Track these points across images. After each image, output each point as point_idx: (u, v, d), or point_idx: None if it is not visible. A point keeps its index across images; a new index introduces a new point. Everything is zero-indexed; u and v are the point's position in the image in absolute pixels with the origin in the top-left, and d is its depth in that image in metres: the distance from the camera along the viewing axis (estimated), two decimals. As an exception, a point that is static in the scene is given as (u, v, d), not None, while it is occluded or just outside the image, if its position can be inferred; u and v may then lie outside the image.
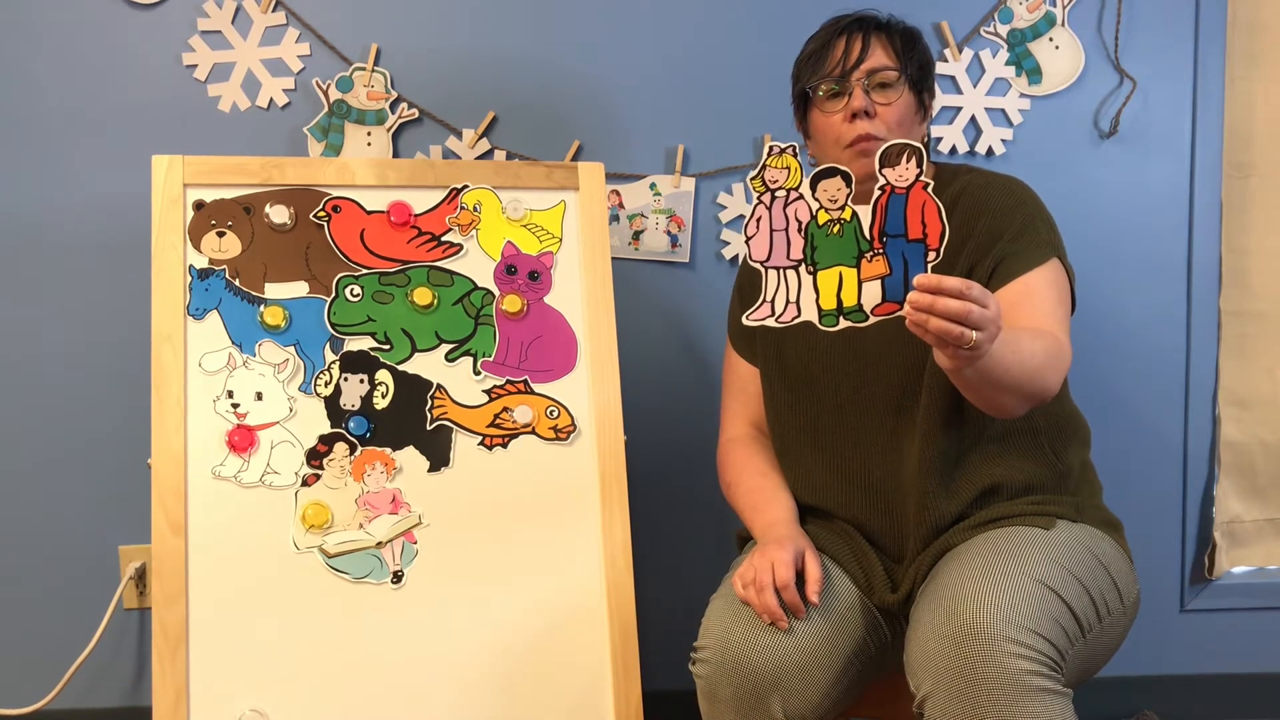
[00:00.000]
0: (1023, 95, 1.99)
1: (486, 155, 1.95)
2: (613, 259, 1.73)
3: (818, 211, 1.14)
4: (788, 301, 1.15)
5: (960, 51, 1.97)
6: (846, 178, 1.14)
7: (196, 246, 1.59)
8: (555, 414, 1.62)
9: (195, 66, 1.91)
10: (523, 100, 1.95)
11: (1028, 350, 1.24)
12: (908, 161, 1.12)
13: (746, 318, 1.20)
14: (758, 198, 1.17)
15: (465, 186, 1.67)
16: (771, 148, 1.18)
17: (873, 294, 1.11)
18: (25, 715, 1.94)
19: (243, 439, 1.55)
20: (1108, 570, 1.33)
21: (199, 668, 1.48)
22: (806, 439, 1.49)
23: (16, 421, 1.95)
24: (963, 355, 1.11)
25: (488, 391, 1.62)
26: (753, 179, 1.18)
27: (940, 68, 1.96)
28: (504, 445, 1.60)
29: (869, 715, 1.53)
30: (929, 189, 1.12)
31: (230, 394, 1.55)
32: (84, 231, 1.92)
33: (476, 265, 1.65)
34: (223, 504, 1.52)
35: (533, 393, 1.63)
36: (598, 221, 1.69)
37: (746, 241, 1.18)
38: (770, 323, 1.18)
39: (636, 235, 1.98)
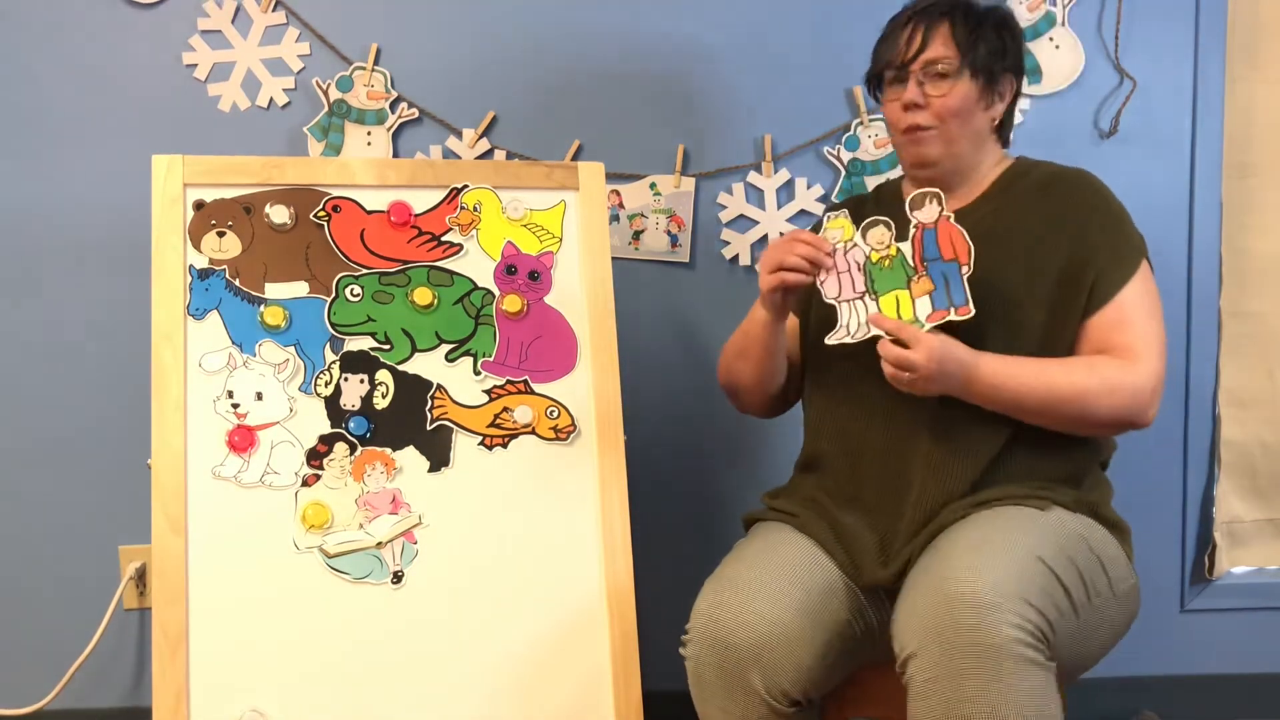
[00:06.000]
0: (1023, 95, 1.99)
1: (486, 155, 1.95)
2: (613, 259, 1.73)
3: (870, 253, 1.42)
4: (859, 323, 1.41)
5: (960, 51, 1.97)
6: (888, 225, 1.41)
7: (196, 246, 1.59)
8: (555, 414, 1.62)
9: (195, 66, 1.91)
10: (523, 100, 1.95)
11: (1049, 381, 1.37)
12: (930, 203, 1.39)
13: (827, 340, 1.43)
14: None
15: (465, 186, 1.67)
16: (826, 215, 1.46)
17: (924, 306, 1.38)
18: (25, 715, 1.94)
19: (243, 439, 1.55)
20: (1098, 556, 1.36)
21: (199, 668, 1.48)
22: (838, 375, 1.52)
23: (17, 421, 1.95)
24: (911, 384, 1.35)
25: (488, 391, 1.62)
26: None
27: (940, 68, 1.96)
28: (504, 445, 1.60)
29: (869, 715, 1.53)
30: (951, 219, 1.38)
31: (230, 394, 1.55)
32: (84, 231, 1.92)
33: (476, 265, 1.65)
34: (223, 504, 1.52)
35: (533, 393, 1.63)
36: (598, 221, 1.69)
37: (820, 285, 1.44)
38: (848, 340, 1.42)
39: (636, 235, 1.98)
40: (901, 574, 1.38)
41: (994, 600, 1.19)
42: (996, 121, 1.51)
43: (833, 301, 1.44)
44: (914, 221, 1.40)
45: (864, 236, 1.42)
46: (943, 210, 1.39)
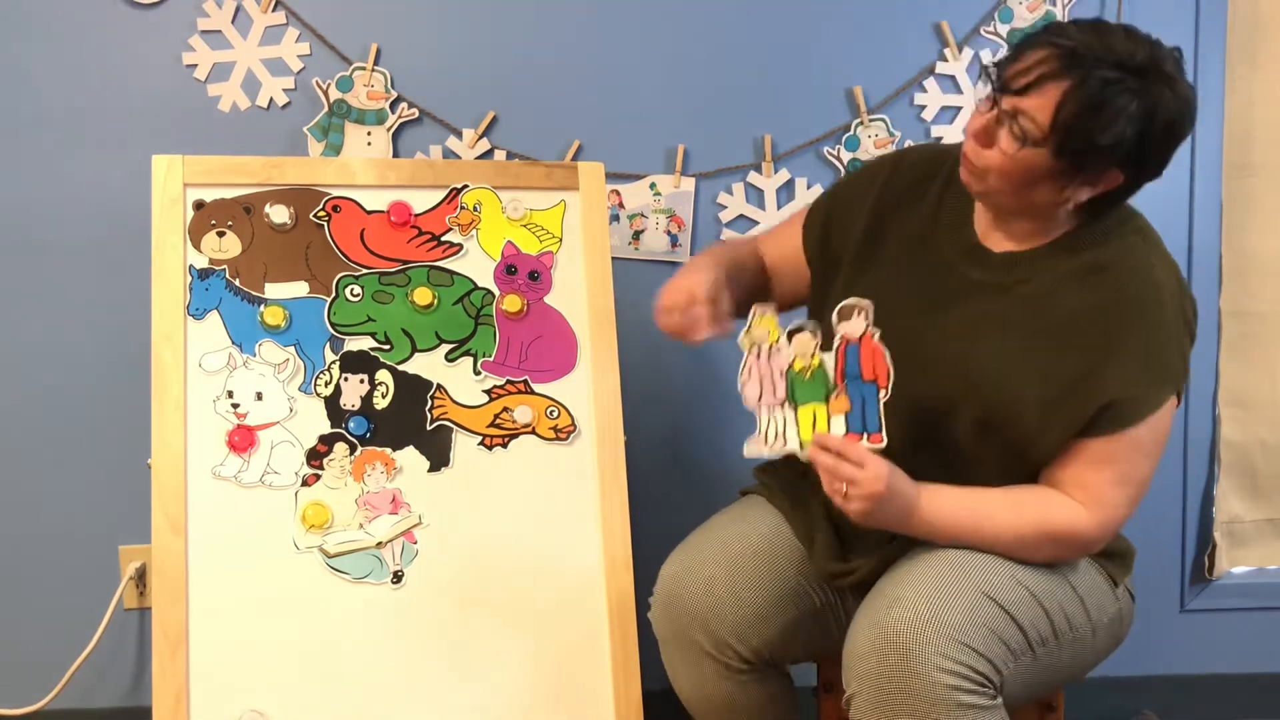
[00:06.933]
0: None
1: (486, 155, 1.95)
2: (613, 259, 1.73)
3: (793, 360, 1.32)
4: (777, 434, 1.32)
5: (960, 51, 1.97)
6: (814, 332, 1.31)
7: (196, 246, 1.59)
8: (555, 414, 1.62)
9: (195, 66, 1.91)
10: (523, 100, 1.95)
11: (993, 528, 1.28)
12: (858, 316, 1.28)
13: (746, 448, 1.33)
14: (747, 351, 1.33)
15: (465, 186, 1.67)
16: (754, 310, 1.34)
17: (839, 425, 1.29)
18: (25, 715, 1.94)
19: (243, 439, 1.55)
20: (1074, 589, 1.32)
21: (199, 668, 1.48)
22: None
23: (16, 421, 1.95)
24: (849, 506, 1.24)
25: (488, 391, 1.62)
26: (742, 338, 1.34)
27: (940, 67, 1.96)
28: (504, 445, 1.61)
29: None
30: (876, 337, 1.27)
31: (230, 394, 1.55)
32: (84, 231, 1.92)
33: (476, 265, 1.65)
34: (223, 504, 1.53)
35: (533, 393, 1.63)
36: (598, 221, 1.69)
37: (741, 388, 1.33)
38: (765, 453, 1.33)
39: (636, 235, 1.98)
40: (851, 574, 1.37)
41: (931, 645, 1.18)
42: (1073, 204, 1.27)
43: (751, 407, 1.34)
44: (838, 334, 1.29)
45: (790, 340, 1.32)
46: (868, 326, 1.28)
